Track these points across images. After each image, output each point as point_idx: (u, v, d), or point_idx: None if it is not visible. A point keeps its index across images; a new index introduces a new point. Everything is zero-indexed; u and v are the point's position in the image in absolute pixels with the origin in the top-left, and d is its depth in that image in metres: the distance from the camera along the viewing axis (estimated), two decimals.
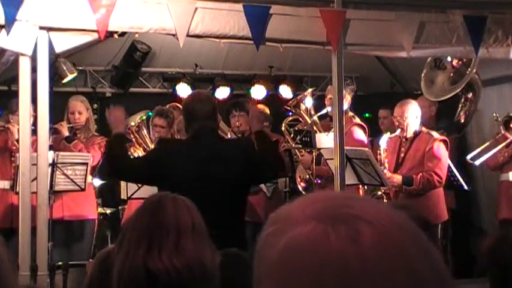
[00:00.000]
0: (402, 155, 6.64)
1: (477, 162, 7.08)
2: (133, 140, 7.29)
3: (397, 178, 6.44)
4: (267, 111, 8.69)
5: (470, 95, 7.93)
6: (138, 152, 7.21)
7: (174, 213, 2.49)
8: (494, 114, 7.31)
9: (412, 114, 6.58)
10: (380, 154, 6.58)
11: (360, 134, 6.91)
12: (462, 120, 8.04)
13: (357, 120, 7.06)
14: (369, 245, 0.90)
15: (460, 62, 7.59)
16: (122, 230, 2.57)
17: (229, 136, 7.24)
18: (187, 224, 2.47)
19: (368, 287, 0.89)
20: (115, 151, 4.74)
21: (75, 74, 8.56)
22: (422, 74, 7.78)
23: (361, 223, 0.91)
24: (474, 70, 7.42)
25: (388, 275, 0.89)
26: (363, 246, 0.89)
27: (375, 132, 7.47)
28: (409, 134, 6.59)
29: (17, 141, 6.44)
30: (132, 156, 6.22)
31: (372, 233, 0.91)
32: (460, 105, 8.01)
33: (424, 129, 6.66)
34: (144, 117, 7.36)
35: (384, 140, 6.68)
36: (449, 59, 7.60)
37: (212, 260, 2.46)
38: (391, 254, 0.90)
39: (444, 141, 6.59)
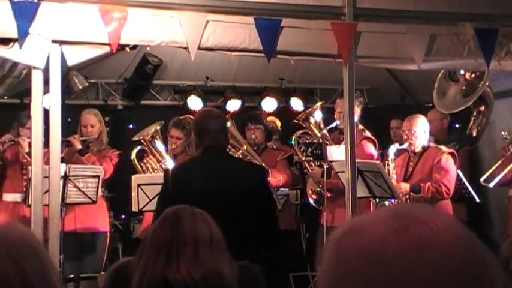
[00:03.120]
0: (410, 169, 6.66)
1: (491, 185, 7.03)
2: (147, 150, 7.31)
3: (405, 186, 6.46)
4: (278, 123, 8.71)
5: (482, 107, 7.90)
6: (151, 163, 7.22)
7: (191, 225, 2.51)
8: (503, 133, 7.28)
9: (421, 129, 6.61)
10: (388, 164, 6.59)
11: (370, 148, 6.91)
12: (474, 134, 8.01)
13: (367, 133, 7.05)
14: (413, 239, 0.94)
15: (472, 75, 7.57)
16: (141, 241, 2.59)
17: (245, 148, 7.24)
18: (205, 236, 2.49)
19: (398, 277, 0.91)
20: None
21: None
22: (436, 85, 7.77)
23: (414, 222, 0.96)
24: (486, 84, 7.39)
25: (421, 270, 0.92)
26: (406, 239, 0.94)
27: (384, 144, 7.45)
28: (418, 148, 6.61)
29: (28, 154, 6.48)
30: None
31: (420, 231, 0.95)
32: (473, 119, 7.99)
33: (432, 144, 6.68)
34: (159, 128, 7.38)
35: (392, 151, 6.68)
36: (462, 71, 7.58)
37: (230, 272, 2.47)
38: (434, 253, 0.93)
39: (452, 154, 6.60)
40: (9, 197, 6.83)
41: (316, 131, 7.16)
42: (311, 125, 7.23)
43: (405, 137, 6.64)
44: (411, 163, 6.66)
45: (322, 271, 1.00)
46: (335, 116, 7.01)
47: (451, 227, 0.97)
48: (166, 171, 5.16)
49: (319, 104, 7.56)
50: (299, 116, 7.44)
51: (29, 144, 6.37)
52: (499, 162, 7.10)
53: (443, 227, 0.96)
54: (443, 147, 6.66)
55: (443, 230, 0.95)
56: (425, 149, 6.63)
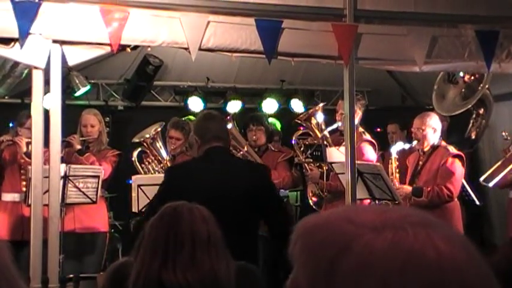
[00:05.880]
0: (419, 168, 6.61)
1: (491, 184, 7.02)
2: (148, 152, 7.31)
3: (406, 188, 6.43)
4: (277, 125, 8.71)
5: (481, 110, 7.91)
6: (153, 165, 7.21)
7: (189, 223, 2.50)
8: (504, 133, 7.28)
9: (430, 127, 6.54)
10: (391, 163, 6.57)
11: (369, 152, 6.87)
12: (473, 136, 8.01)
13: (367, 136, 7.03)
14: (459, 244, 0.93)
15: (472, 78, 7.57)
16: (139, 236, 2.59)
17: (245, 149, 7.23)
18: (202, 235, 2.49)
19: (453, 283, 0.89)
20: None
21: (87, 87, 8.60)
22: (435, 87, 7.77)
23: (435, 226, 0.95)
24: (486, 86, 7.39)
25: (473, 276, 0.91)
26: (453, 244, 0.92)
27: (385, 147, 7.45)
28: (427, 147, 6.56)
29: (25, 154, 6.49)
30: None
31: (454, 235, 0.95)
32: (472, 121, 7.99)
33: (443, 143, 6.62)
34: (159, 129, 7.37)
35: (394, 150, 6.66)
36: (461, 74, 7.58)
37: (227, 273, 2.46)
38: (477, 257, 0.94)
39: (460, 156, 6.52)
40: (8, 197, 6.84)
41: (317, 132, 7.15)
42: (312, 126, 7.22)
43: (414, 134, 6.62)
44: (420, 162, 6.61)
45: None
46: (336, 117, 7.00)
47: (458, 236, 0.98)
48: (166, 171, 5.15)
49: (321, 105, 7.55)
50: (300, 116, 7.43)
51: (27, 144, 6.38)
52: (499, 163, 7.10)
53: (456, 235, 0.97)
54: (452, 149, 6.56)
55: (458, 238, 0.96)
56: (434, 148, 6.57)
